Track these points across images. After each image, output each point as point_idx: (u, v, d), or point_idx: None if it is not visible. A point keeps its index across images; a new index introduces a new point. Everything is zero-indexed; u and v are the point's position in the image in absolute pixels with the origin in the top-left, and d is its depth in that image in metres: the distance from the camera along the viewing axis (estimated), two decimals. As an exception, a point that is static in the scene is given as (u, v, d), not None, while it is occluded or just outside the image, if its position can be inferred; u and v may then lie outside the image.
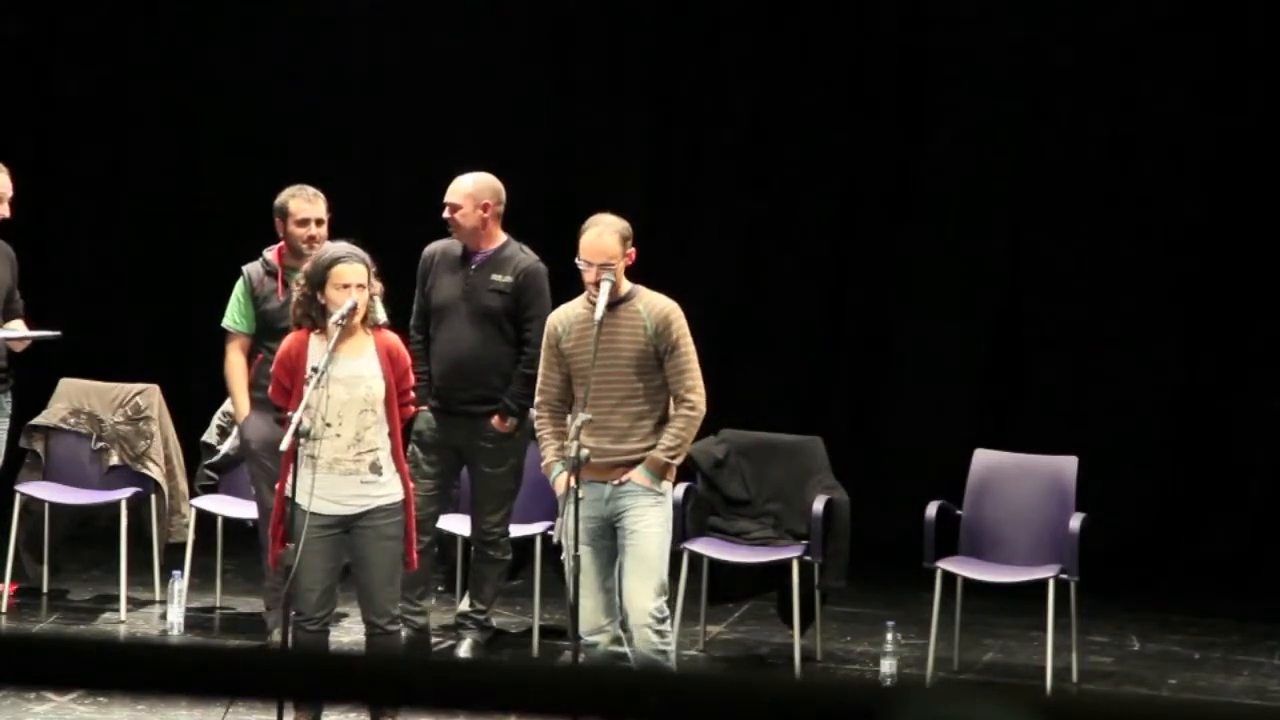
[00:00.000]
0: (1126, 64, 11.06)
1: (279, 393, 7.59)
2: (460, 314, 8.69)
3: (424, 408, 8.52)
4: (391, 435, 7.53)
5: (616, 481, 7.62)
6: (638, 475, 7.61)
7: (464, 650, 8.91)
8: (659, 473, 7.64)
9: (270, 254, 8.80)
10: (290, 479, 7.40)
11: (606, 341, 7.59)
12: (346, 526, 7.49)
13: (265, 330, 8.76)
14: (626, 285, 7.69)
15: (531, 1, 11.75)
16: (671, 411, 7.68)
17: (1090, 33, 11.09)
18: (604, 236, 7.66)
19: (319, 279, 7.48)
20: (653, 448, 7.62)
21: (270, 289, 8.76)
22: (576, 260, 7.68)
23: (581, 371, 7.64)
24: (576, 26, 11.72)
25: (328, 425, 7.41)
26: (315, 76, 11.68)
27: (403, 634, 8.89)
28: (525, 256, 8.77)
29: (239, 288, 8.82)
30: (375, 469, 7.48)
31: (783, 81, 11.41)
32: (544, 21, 11.73)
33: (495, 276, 8.71)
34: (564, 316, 7.78)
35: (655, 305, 7.69)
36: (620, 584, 7.64)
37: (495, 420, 8.69)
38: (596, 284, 7.61)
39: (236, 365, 8.81)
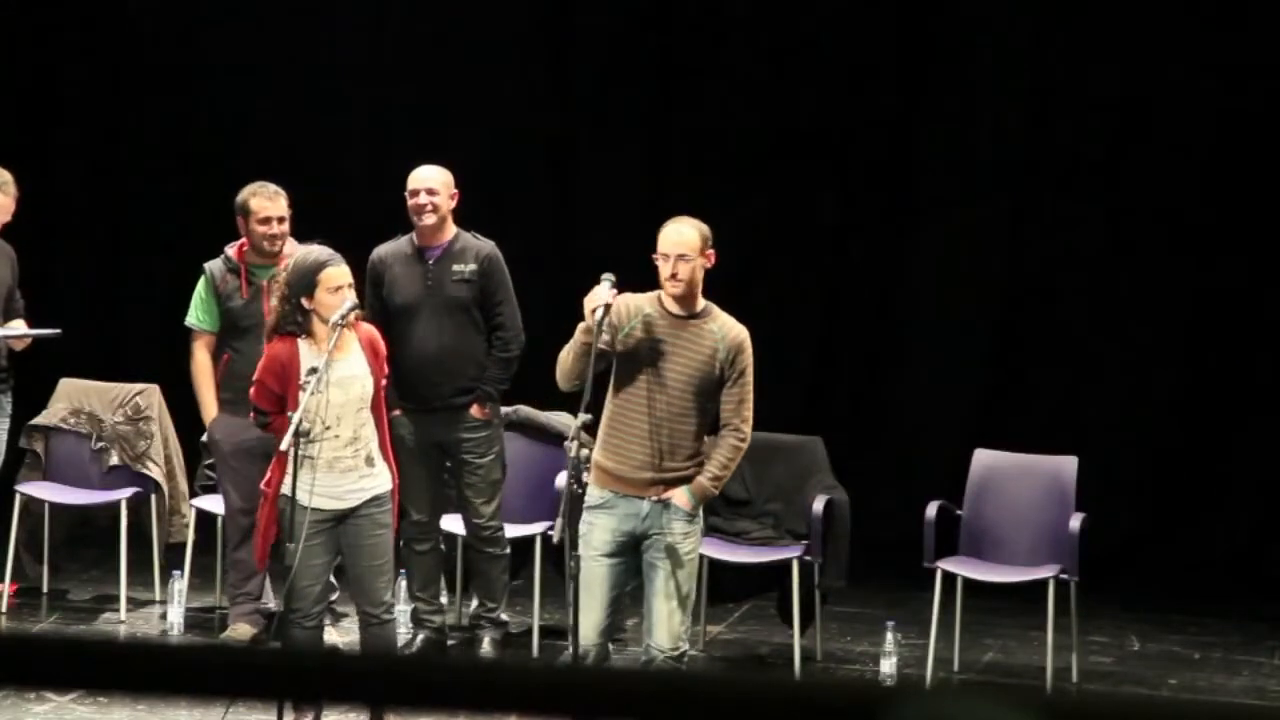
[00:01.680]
0: (1128, 63, 11.05)
1: (265, 397, 7.56)
2: (428, 310, 8.65)
3: (396, 412, 8.44)
4: (378, 425, 7.56)
5: (656, 498, 7.36)
6: (681, 498, 7.35)
7: (484, 648, 8.93)
8: (701, 499, 7.43)
9: (231, 251, 8.86)
10: (285, 479, 7.41)
11: (672, 354, 7.35)
12: (340, 520, 7.53)
13: (230, 329, 8.78)
14: (702, 302, 7.46)
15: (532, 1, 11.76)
16: (720, 437, 7.43)
17: (1091, 32, 11.08)
18: (682, 229, 7.41)
19: (306, 285, 7.44)
20: (689, 468, 7.39)
21: (234, 286, 8.78)
22: (654, 256, 7.41)
23: (626, 367, 7.35)
24: (576, 26, 11.72)
25: (327, 428, 7.42)
26: (313, 77, 11.68)
27: (420, 636, 8.93)
28: (482, 243, 8.74)
29: (201, 286, 8.86)
30: (369, 461, 7.54)
31: (783, 81, 11.41)
32: (544, 21, 11.73)
33: (457, 267, 8.68)
34: (632, 308, 7.42)
35: (731, 329, 7.44)
36: (650, 604, 7.42)
37: (474, 408, 8.68)
38: (673, 277, 7.35)
39: (203, 365, 8.84)
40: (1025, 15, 11.17)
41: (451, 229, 8.74)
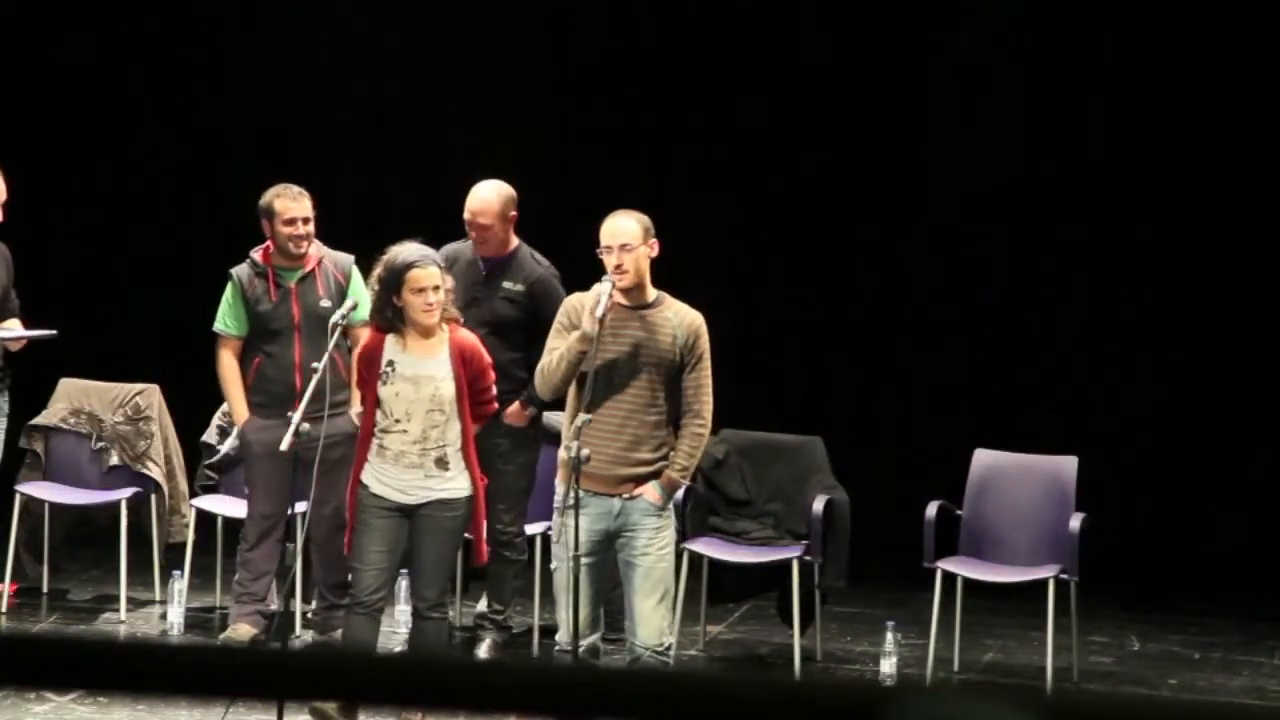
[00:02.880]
0: (1127, 63, 11.05)
1: (361, 382, 7.82)
2: (470, 319, 8.67)
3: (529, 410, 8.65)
4: (464, 432, 7.58)
5: (627, 495, 7.42)
6: (652, 493, 7.41)
7: (483, 650, 8.94)
8: (671, 492, 7.49)
9: (257, 254, 8.83)
10: (364, 468, 7.51)
11: (632, 346, 7.42)
12: (408, 514, 7.62)
13: (261, 333, 8.77)
14: (654, 292, 7.52)
15: (531, 1, 11.75)
16: (682, 426, 7.47)
17: (1091, 34, 11.08)
18: (619, 219, 7.49)
19: (394, 283, 7.51)
20: (658, 460, 7.43)
21: (262, 290, 8.77)
22: (597, 251, 7.47)
23: (589, 365, 7.37)
24: (576, 26, 11.71)
25: (396, 421, 7.58)
26: (314, 77, 11.68)
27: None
28: (537, 265, 8.78)
29: (229, 291, 8.84)
30: (441, 464, 7.62)
31: (783, 83, 11.40)
32: (544, 20, 11.73)
33: (506, 284, 8.74)
34: (589, 306, 7.43)
35: (686, 315, 7.50)
36: (630, 601, 7.47)
37: (515, 407, 8.66)
38: (618, 268, 7.38)
39: (230, 368, 8.82)
40: (1026, 15, 11.16)
41: (513, 242, 8.81)
